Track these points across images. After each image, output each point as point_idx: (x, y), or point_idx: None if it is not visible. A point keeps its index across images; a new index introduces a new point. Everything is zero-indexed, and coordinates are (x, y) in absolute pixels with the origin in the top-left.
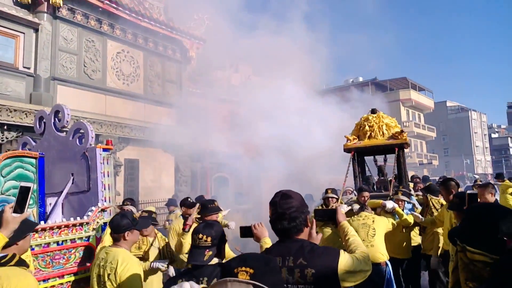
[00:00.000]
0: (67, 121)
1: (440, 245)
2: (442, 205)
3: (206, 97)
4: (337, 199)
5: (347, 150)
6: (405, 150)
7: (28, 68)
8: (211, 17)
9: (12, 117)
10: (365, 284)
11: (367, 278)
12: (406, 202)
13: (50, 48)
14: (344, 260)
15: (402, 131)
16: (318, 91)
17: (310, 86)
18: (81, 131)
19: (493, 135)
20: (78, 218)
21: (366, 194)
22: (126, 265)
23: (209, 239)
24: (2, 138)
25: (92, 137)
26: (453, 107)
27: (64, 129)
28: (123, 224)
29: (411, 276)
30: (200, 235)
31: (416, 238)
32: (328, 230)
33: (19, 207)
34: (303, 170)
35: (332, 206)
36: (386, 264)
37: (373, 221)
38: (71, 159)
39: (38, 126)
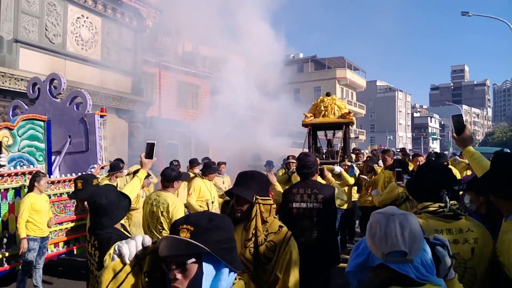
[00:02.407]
0: (63, 89)
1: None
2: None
3: (159, 65)
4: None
5: (304, 125)
6: (351, 128)
7: None
8: None
9: None
10: None
11: None
12: (350, 167)
13: (13, 10)
14: (336, 190)
15: (349, 112)
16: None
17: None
18: (78, 98)
19: (415, 114)
20: (79, 174)
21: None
22: (176, 206)
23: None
24: None
25: (90, 105)
26: (382, 87)
27: (59, 95)
28: (173, 175)
29: (348, 221)
30: None
31: (354, 195)
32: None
33: (148, 155)
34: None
35: (293, 169)
36: None
37: None
38: (68, 123)
39: (31, 91)
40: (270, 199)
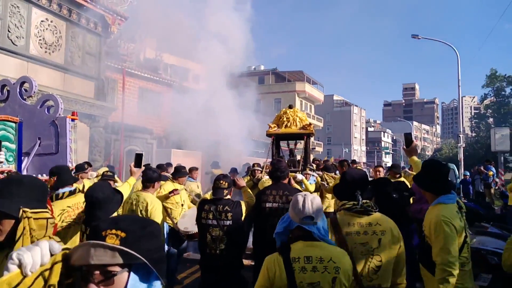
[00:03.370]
0: (34, 92)
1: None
2: (333, 178)
3: (122, 71)
4: (261, 171)
5: (269, 135)
6: (311, 139)
7: None
8: None
9: None
10: None
11: None
12: (311, 176)
13: None
14: None
15: (310, 124)
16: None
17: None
18: (48, 102)
19: (369, 129)
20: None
21: None
22: (154, 205)
23: (226, 184)
24: None
25: (62, 108)
26: (339, 101)
27: (29, 98)
28: (154, 177)
29: None
30: (222, 181)
31: None
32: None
33: (137, 165)
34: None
35: (258, 176)
36: None
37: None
38: (38, 126)
39: (0, 93)
40: (47, 212)
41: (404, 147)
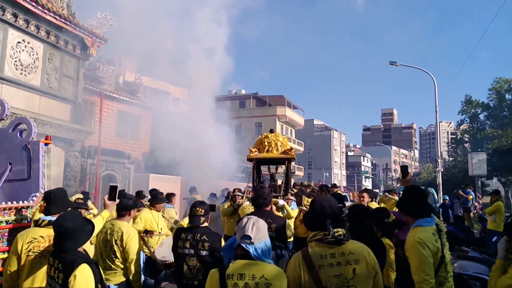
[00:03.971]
0: (7, 115)
1: None
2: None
3: (100, 94)
4: (242, 197)
5: (249, 159)
6: (292, 163)
7: None
8: (115, 17)
9: None
10: None
11: None
12: (293, 201)
13: None
14: (287, 222)
15: (291, 148)
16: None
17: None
18: (22, 125)
19: (349, 153)
20: (21, 202)
21: None
22: (130, 234)
23: (203, 211)
24: None
25: (35, 132)
26: (319, 125)
27: (1, 121)
28: (129, 204)
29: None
30: (198, 208)
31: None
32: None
33: (111, 197)
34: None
35: (239, 201)
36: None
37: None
38: (9, 150)
39: None
40: None
41: (401, 178)
